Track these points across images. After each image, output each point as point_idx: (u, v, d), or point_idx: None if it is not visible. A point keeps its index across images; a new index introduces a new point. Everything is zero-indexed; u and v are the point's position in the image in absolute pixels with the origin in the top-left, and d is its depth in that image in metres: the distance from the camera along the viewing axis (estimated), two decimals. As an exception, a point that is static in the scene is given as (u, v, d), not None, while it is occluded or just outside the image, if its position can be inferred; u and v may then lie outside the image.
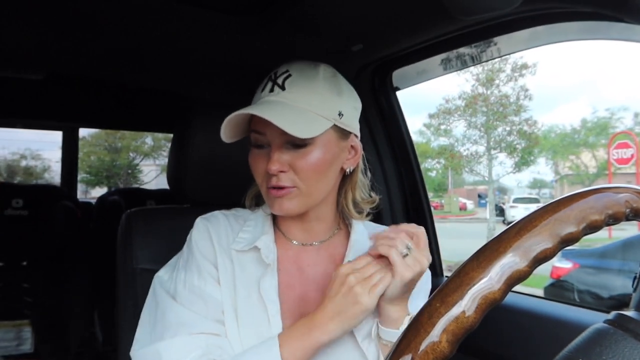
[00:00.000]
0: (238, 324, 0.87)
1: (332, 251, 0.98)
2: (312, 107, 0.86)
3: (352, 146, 0.94)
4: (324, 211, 0.96)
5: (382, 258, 0.83)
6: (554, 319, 1.14)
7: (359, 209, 0.99)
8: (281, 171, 0.85)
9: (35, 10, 1.30)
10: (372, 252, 0.84)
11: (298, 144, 0.85)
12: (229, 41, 1.48)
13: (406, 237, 0.83)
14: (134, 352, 0.88)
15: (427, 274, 1.02)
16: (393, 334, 0.84)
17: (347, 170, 0.94)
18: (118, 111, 2.95)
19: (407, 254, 0.81)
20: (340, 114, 0.88)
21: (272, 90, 0.88)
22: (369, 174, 1.01)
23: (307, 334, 0.80)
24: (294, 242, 0.97)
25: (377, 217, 1.59)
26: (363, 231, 1.00)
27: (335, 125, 0.88)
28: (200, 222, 0.96)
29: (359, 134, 0.96)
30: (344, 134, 0.91)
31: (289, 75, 0.88)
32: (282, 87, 0.87)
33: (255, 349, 0.82)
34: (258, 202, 1.02)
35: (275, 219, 0.99)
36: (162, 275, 0.94)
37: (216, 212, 0.98)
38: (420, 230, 0.86)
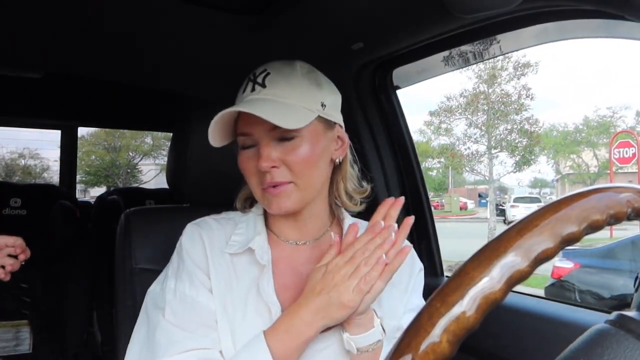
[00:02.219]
0: (234, 329, 0.86)
1: (325, 249, 0.96)
2: (295, 100, 0.87)
3: (338, 136, 0.95)
4: (318, 208, 0.96)
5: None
6: (555, 319, 1.14)
7: (352, 200, 0.99)
8: (273, 167, 0.86)
9: (35, 9, 1.29)
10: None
11: (286, 138, 0.86)
12: (228, 40, 1.47)
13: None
14: None
15: (421, 273, 1.01)
16: (369, 336, 0.83)
17: (337, 160, 0.95)
18: (117, 110, 2.95)
19: None
20: (323, 105, 0.90)
21: (253, 89, 0.89)
22: (356, 165, 1.02)
23: (293, 330, 0.80)
24: (288, 241, 0.96)
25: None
26: (360, 230, 0.99)
27: (319, 117, 0.89)
28: (190, 229, 0.95)
29: (343, 125, 0.97)
30: (329, 124, 0.92)
31: (268, 74, 0.89)
32: (263, 85, 0.88)
33: (243, 349, 0.81)
34: (250, 204, 1.01)
35: (267, 219, 0.98)
36: (154, 288, 0.93)
37: (206, 218, 0.97)
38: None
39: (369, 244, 0.81)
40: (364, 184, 1.01)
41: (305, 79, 0.90)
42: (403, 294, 0.95)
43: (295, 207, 0.89)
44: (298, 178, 0.87)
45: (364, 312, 0.81)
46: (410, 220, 0.84)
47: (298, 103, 0.87)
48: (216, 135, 0.88)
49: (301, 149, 0.87)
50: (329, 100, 0.92)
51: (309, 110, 0.87)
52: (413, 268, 1.00)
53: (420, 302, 0.97)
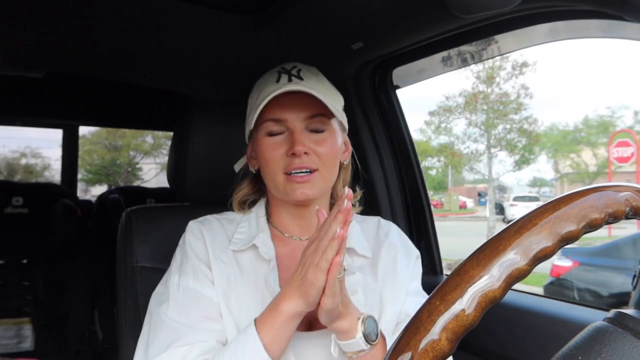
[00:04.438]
0: (239, 323, 0.86)
1: None
2: (327, 98, 0.91)
3: (344, 142, 1.00)
4: (322, 203, 0.98)
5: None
6: (553, 317, 1.14)
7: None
8: (305, 152, 0.88)
9: (36, 9, 1.30)
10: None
11: (317, 130, 0.91)
12: (229, 39, 1.48)
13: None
14: None
15: (418, 260, 1.03)
16: (351, 345, 0.80)
17: (344, 163, 1.00)
18: (118, 109, 2.95)
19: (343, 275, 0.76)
20: (342, 109, 0.97)
21: (290, 79, 0.91)
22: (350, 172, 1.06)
23: (275, 308, 0.79)
24: (292, 237, 0.98)
25: (377, 216, 1.58)
26: (354, 224, 1.02)
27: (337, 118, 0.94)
28: (193, 225, 0.96)
29: (346, 131, 1.02)
30: (342, 127, 0.98)
31: (300, 69, 0.94)
32: (299, 77, 0.92)
33: (236, 337, 0.82)
34: (247, 206, 1.02)
35: (269, 216, 1.00)
36: (157, 289, 0.94)
37: (208, 217, 0.99)
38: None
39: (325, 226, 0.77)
40: (357, 188, 1.04)
41: (329, 82, 0.97)
42: (406, 282, 0.97)
43: (317, 195, 0.91)
44: (324, 167, 0.91)
45: (335, 306, 0.77)
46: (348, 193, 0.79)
47: (329, 100, 0.91)
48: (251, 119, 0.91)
49: (329, 142, 0.91)
50: (342, 108, 0.99)
51: (336, 109, 0.92)
52: (410, 256, 1.02)
53: (419, 287, 1.00)
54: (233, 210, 1.02)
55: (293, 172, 0.88)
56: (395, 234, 1.05)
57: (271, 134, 0.91)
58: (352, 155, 1.04)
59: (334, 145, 0.92)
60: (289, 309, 0.77)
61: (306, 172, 0.89)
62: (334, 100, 0.94)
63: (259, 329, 0.78)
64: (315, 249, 0.75)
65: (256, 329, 0.78)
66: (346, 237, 0.74)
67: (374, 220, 1.07)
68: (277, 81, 0.92)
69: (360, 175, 1.06)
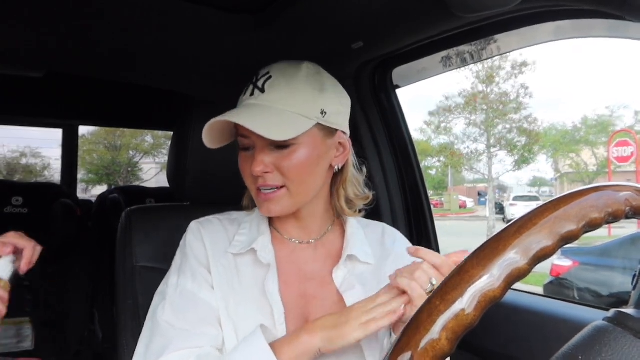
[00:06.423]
0: (237, 327, 0.86)
1: (329, 248, 0.98)
2: (292, 108, 0.86)
3: (340, 143, 0.94)
4: (317, 208, 0.96)
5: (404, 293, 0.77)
6: (553, 317, 1.14)
7: (352, 205, 0.98)
8: (266, 172, 0.86)
9: (36, 9, 1.30)
10: (394, 285, 0.79)
11: (281, 145, 0.86)
12: (229, 39, 1.48)
13: (430, 269, 0.77)
14: None
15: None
16: None
17: (336, 167, 0.94)
18: (118, 109, 2.95)
19: (431, 290, 0.74)
20: (323, 112, 0.88)
21: (252, 93, 0.88)
22: (364, 169, 1.02)
23: (297, 337, 0.79)
24: (292, 240, 0.97)
25: (377, 215, 1.59)
26: (358, 226, 1.00)
27: (319, 124, 0.88)
28: (194, 226, 0.96)
29: (347, 131, 0.95)
30: (329, 131, 0.91)
31: (270, 77, 0.88)
32: (262, 90, 0.87)
33: (240, 346, 0.80)
34: (249, 204, 1.02)
35: (270, 218, 0.98)
36: (160, 288, 0.94)
37: (210, 217, 0.98)
38: (444, 261, 0.77)
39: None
40: (366, 190, 1.00)
41: (308, 85, 0.88)
42: None
43: (285, 211, 0.90)
44: (291, 183, 0.87)
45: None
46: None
47: (295, 110, 0.86)
48: (213, 137, 0.88)
49: (296, 156, 0.86)
50: (331, 107, 0.90)
51: (306, 118, 0.86)
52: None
53: None
54: (237, 209, 1.02)
55: (261, 188, 0.88)
56: (404, 243, 1.03)
57: (243, 149, 0.91)
58: (355, 155, 1.01)
59: (304, 158, 0.86)
60: (308, 343, 0.78)
61: (272, 189, 0.87)
62: (305, 109, 0.86)
63: (276, 349, 0.77)
64: (370, 307, 0.76)
65: (273, 350, 0.77)
66: (401, 313, 0.76)
67: (378, 226, 1.06)
68: (244, 94, 0.90)
69: (364, 176, 1.04)
